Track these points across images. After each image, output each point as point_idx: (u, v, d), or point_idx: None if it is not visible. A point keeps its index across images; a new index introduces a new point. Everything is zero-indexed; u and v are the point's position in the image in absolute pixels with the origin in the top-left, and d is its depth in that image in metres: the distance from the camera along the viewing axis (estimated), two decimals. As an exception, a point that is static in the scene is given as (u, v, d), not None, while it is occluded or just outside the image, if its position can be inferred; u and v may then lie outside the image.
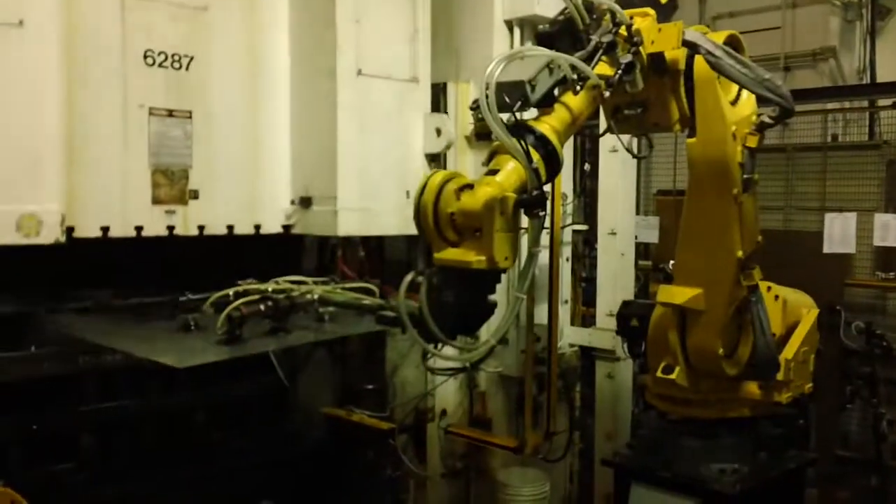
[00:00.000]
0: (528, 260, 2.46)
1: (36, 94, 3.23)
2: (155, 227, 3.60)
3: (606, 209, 4.91)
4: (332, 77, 3.91)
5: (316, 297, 3.37)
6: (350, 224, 3.98)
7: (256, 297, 3.24)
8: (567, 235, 4.86)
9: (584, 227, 5.30)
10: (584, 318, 5.45)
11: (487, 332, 2.66)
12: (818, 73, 9.78)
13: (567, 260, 4.90)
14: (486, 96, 2.32)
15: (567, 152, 4.61)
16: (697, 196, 3.16)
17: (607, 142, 4.90)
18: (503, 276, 2.52)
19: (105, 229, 3.47)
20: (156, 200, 3.62)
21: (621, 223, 4.87)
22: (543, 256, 4.47)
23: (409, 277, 2.45)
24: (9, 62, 3.16)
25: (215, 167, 3.80)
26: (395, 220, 4.14)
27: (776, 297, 3.54)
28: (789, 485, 3.66)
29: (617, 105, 3.03)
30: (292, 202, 4.06)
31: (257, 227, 3.94)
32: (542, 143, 2.43)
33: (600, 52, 2.66)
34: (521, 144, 2.34)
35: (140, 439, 3.78)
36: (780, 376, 3.36)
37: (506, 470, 4.62)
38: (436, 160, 4.39)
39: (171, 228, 3.66)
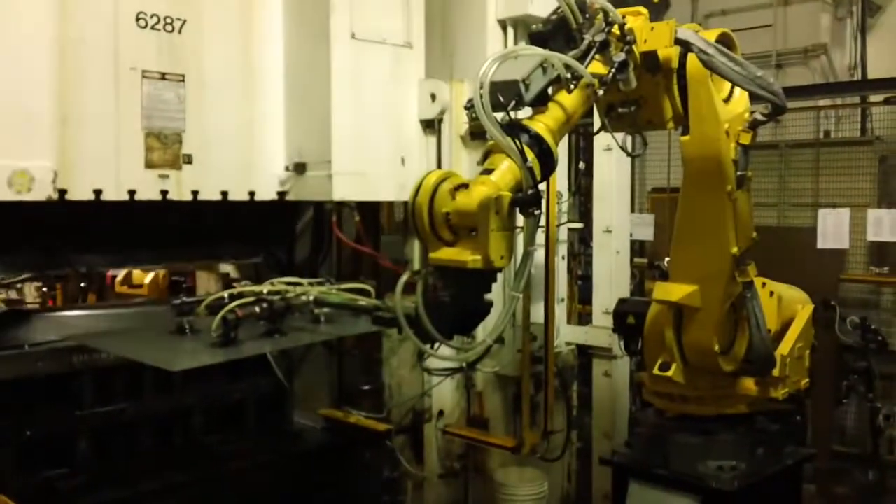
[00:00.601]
0: (523, 259, 2.46)
1: (28, 53, 3.22)
2: (148, 191, 3.57)
3: (601, 207, 4.91)
4: (326, 40, 3.88)
5: (311, 298, 3.34)
6: (345, 188, 3.94)
7: (251, 298, 3.21)
8: (562, 233, 4.86)
9: (579, 226, 5.30)
10: (581, 316, 5.46)
11: (484, 331, 2.64)
12: (810, 70, 9.81)
13: (563, 258, 4.90)
14: (480, 96, 2.32)
15: (562, 150, 4.58)
16: (692, 193, 3.18)
17: (602, 140, 4.90)
18: (499, 276, 2.52)
19: (98, 192, 3.44)
20: (149, 164, 3.58)
21: (616, 221, 4.87)
22: (539, 255, 4.46)
23: (404, 277, 2.45)
24: (1, 20, 3.15)
25: (209, 132, 3.77)
26: (391, 186, 4.13)
27: (771, 293, 3.55)
28: (787, 481, 3.67)
29: (611, 103, 3.05)
30: (287, 168, 4.03)
31: (251, 194, 3.91)
32: (537, 141, 2.44)
33: (594, 50, 2.67)
34: (515, 143, 2.34)
35: (136, 442, 3.75)
36: (775, 372, 3.37)
37: (503, 470, 4.62)
38: (430, 126, 4.36)
39: (164, 193, 3.62)
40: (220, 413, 4.01)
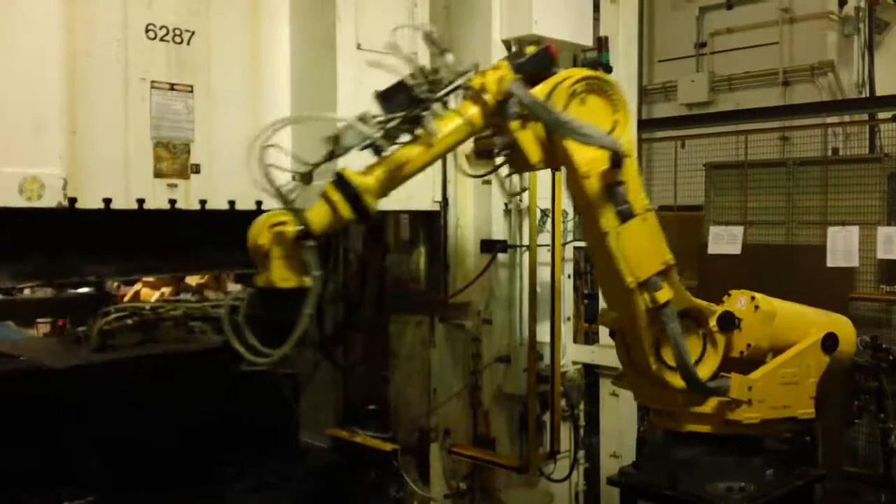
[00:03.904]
0: (312, 281, 2.77)
1: (40, 63, 3.27)
2: (157, 200, 3.60)
3: (608, 226, 4.90)
4: (332, 51, 3.91)
5: (180, 312, 3.91)
6: None
7: (126, 312, 3.84)
8: (568, 252, 4.86)
9: (585, 244, 5.28)
10: (587, 335, 5.44)
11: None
12: (817, 88, 9.81)
13: (569, 277, 4.89)
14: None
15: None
16: (585, 230, 3.43)
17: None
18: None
19: (107, 201, 3.48)
20: (158, 174, 3.62)
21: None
22: (545, 274, 4.46)
23: (232, 294, 3.08)
24: (13, 29, 3.20)
25: (216, 142, 3.80)
26: (396, 197, 4.12)
27: (756, 307, 3.51)
28: (797, 502, 3.62)
29: (502, 146, 3.13)
30: (293, 177, 4.05)
31: (258, 203, 3.93)
32: (342, 184, 2.80)
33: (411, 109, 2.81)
34: (286, 197, 2.79)
35: (144, 463, 3.75)
36: (736, 395, 3.31)
37: (510, 490, 4.59)
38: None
39: (172, 202, 3.66)
40: (227, 432, 4.00)
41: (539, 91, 3.00)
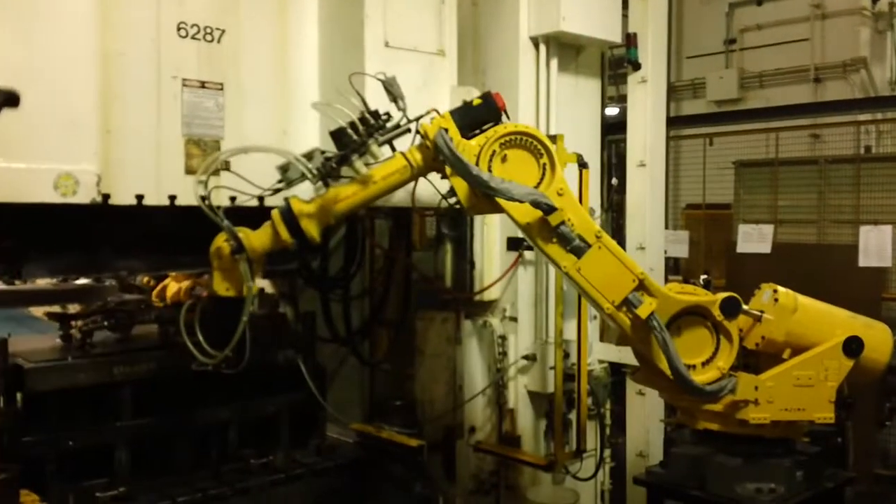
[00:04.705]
0: (246, 293, 3.05)
1: (74, 62, 3.31)
2: (188, 196, 3.59)
3: (635, 224, 4.88)
4: (360, 49, 3.94)
5: (153, 315, 4.06)
6: None
7: (100, 314, 4.01)
8: (596, 251, 4.83)
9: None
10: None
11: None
12: (849, 85, 9.71)
13: (596, 275, 4.87)
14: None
15: (594, 167, 4.61)
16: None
17: (635, 156, 4.89)
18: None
19: (140, 197, 3.52)
20: (189, 170, 3.64)
21: (650, 238, 4.84)
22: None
23: (190, 301, 3.32)
24: (48, 30, 3.25)
25: (246, 139, 3.82)
26: (422, 192, 4.14)
27: (776, 300, 3.47)
28: (827, 504, 3.59)
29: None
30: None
31: (286, 200, 3.96)
32: (285, 210, 3.11)
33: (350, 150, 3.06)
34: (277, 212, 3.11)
35: (172, 454, 3.80)
36: (744, 395, 3.29)
37: (536, 488, 4.59)
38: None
39: (203, 199, 3.70)
40: (255, 426, 4.04)
41: (475, 144, 3.13)
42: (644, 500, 3.70)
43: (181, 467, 3.79)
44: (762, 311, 3.43)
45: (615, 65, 5.40)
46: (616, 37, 4.75)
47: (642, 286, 3.14)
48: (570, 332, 4.43)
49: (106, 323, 3.95)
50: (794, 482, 3.35)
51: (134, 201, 3.50)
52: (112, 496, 3.50)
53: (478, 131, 3.17)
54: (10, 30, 3.14)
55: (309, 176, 3.06)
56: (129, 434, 3.63)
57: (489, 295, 4.63)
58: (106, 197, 3.41)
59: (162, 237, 3.81)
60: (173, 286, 4.29)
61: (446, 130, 3.06)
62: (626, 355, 4.79)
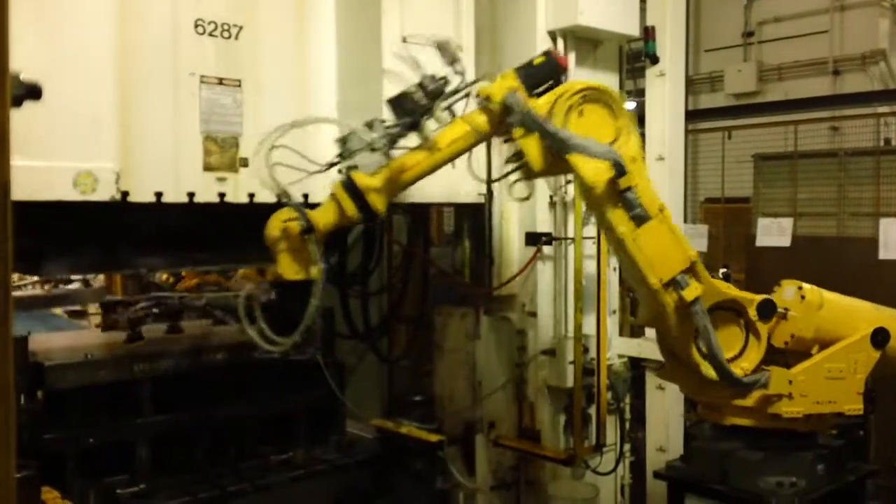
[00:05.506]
0: (317, 275, 2.89)
1: (92, 60, 3.32)
2: (206, 193, 3.64)
3: (654, 218, 4.85)
4: (377, 44, 3.94)
5: (203, 301, 4.04)
6: None
7: (153, 302, 4.01)
8: (614, 245, 4.82)
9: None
10: (633, 328, 5.39)
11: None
12: (868, 77, 9.60)
13: (614, 270, 4.86)
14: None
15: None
16: (605, 235, 3.42)
17: (653, 150, 4.86)
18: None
19: (158, 194, 3.53)
20: (207, 167, 3.65)
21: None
22: (591, 267, 4.44)
23: (249, 286, 3.06)
24: (67, 28, 3.27)
25: (264, 135, 3.85)
26: (440, 188, 4.13)
27: (802, 297, 3.45)
28: (849, 498, 3.56)
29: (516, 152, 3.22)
30: (339, 171, 4.09)
31: (305, 196, 3.96)
32: (349, 185, 2.97)
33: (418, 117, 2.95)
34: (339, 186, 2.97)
35: (192, 451, 3.82)
36: (777, 390, 3.27)
37: (556, 482, 4.58)
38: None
39: (221, 195, 3.69)
40: (275, 423, 4.06)
41: (543, 102, 3.05)
42: (664, 495, 3.69)
43: (201, 464, 3.81)
44: (787, 309, 3.41)
45: (633, 58, 5.36)
46: (634, 30, 4.72)
47: (692, 269, 3.10)
48: (590, 326, 4.41)
49: (156, 311, 3.96)
50: (816, 475, 3.34)
51: (153, 198, 3.51)
52: (132, 493, 3.53)
53: (540, 90, 3.09)
54: (30, 29, 3.16)
55: (379, 145, 2.92)
56: (149, 431, 3.66)
57: (508, 290, 4.62)
58: (125, 194, 3.42)
59: (179, 234, 3.83)
60: (185, 283, 4.36)
61: (516, 91, 2.99)
62: (645, 350, 4.79)
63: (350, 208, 2.94)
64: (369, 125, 2.94)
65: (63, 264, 3.61)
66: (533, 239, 4.56)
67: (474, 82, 3.06)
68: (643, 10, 4.87)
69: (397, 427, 4.34)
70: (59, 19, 3.25)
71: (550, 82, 3.11)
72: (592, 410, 4.48)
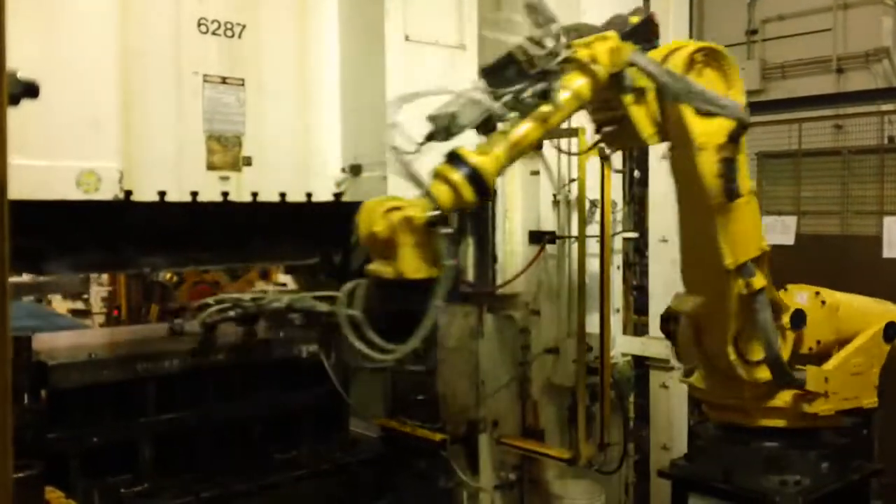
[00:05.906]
0: (445, 272, 2.53)
1: (95, 59, 3.33)
2: (210, 192, 3.66)
3: (657, 216, 4.84)
4: (380, 43, 3.94)
5: (283, 304, 3.78)
6: (400, 189, 3.98)
7: (228, 304, 3.78)
8: (617, 243, 4.81)
9: (634, 235, 5.24)
10: (637, 326, 5.38)
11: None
12: (872, 75, 9.59)
13: (618, 268, 4.85)
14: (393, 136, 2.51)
15: (616, 160, 4.58)
16: (683, 207, 3.22)
17: (657, 149, 4.84)
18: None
19: (162, 193, 3.54)
20: (210, 166, 3.67)
21: (673, 230, 4.79)
22: (594, 265, 4.43)
23: (348, 286, 2.63)
24: (70, 27, 3.28)
25: (267, 135, 3.85)
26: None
27: (822, 302, 3.45)
28: (853, 497, 3.55)
29: (600, 121, 3.06)
30: (343, 170, 4.09)
31: (309, 195, 3.96)
32: (460, 164, 2.56)
33: (540, 83, 2.68)
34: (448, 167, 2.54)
35: (196, 450, 3.82)
36: (813, 387, 3.25)
37: (560, 481, 4.57)
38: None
39: (225, 194, 3.71)
40: (279, 422, 4.06)
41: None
42: (668, 493, 3.68)
43: (205, 463, 3.81)
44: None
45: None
46: (636, 28, 4.70)
47: (762, 260, 3.06)
48: (593, 325, 4.40)
49: (232, 314, 3.84)
50: (820, 474, 3.33)
51: (156, 198, 3.52)
52: (136, 492, 3.53)
53: None
54: (33, 27, 3.16)
55: (501, 111, 2.62)
56: (152, 430, 3.66)
57: (511, 288, 4.61)
58: (128, 193, 3.42)
59: (182, 233, 3.83)
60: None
61: (639, 49, 2.78)
62: (648, 348, 4.78)
63: (466, 191, 2.53)
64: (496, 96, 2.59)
65: (65, 263, 3.61)
66: (536, 237, 4.56)
67: (568, 46, 2.78)
68: (647, 8, 4.85)
69: (401, 426, 4.34)
70: (62, 18, 3.26)
71: (644, 44, 2.90)
72: (596, 409, 4.48)
